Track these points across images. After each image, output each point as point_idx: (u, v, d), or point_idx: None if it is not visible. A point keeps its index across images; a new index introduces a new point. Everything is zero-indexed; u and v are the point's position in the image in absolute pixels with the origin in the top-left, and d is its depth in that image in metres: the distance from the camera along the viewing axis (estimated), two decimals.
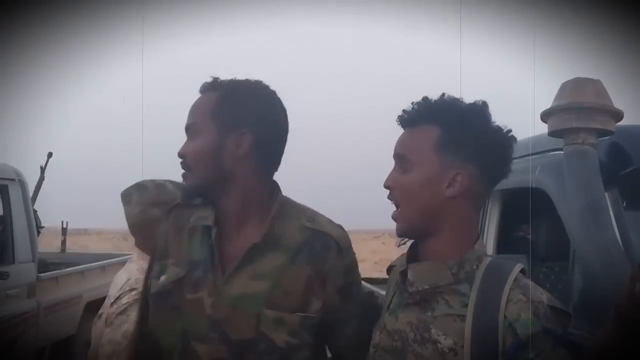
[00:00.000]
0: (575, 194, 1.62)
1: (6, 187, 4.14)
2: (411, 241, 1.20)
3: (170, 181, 1.97)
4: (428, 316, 1.07)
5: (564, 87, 1.65)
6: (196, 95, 1.29)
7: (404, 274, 1.13)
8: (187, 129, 1.28)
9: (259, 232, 1.23)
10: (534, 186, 1.95)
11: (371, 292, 1.66)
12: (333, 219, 1.33)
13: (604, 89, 1.63)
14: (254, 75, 1.29)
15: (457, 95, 1.15)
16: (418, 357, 1.06)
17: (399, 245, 1.41)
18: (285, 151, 1.31)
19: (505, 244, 2.44)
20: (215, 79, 1.29)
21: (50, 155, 5.46)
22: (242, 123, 1.24)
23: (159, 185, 1.96)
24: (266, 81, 1.29)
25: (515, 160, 2.31)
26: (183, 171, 1.29)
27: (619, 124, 1.68)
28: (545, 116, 1.71)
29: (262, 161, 1.27)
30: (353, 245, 1.31)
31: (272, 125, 1.27)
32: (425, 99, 1.13)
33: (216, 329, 1.19)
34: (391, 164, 1.17)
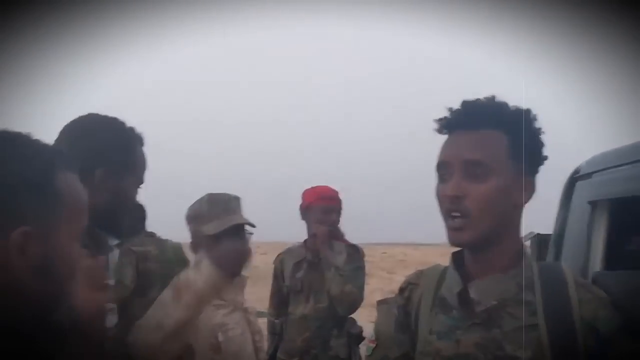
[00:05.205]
0: None
1: None
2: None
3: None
4: (496, 333, 1.03)
5: None
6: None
7: (462, 293, 1.08)
8: None
9: None
10: None
11: None
12: None
13: None
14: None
15: None
16: None
17: None
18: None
19: (614, 258, 2.26)
20: None
21: None
22: None
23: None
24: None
25: (625, 167, 2.14)
26: None
27: None
28: None
29: None
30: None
31: None
32: (478, 101, 1.08)
33: None
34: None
